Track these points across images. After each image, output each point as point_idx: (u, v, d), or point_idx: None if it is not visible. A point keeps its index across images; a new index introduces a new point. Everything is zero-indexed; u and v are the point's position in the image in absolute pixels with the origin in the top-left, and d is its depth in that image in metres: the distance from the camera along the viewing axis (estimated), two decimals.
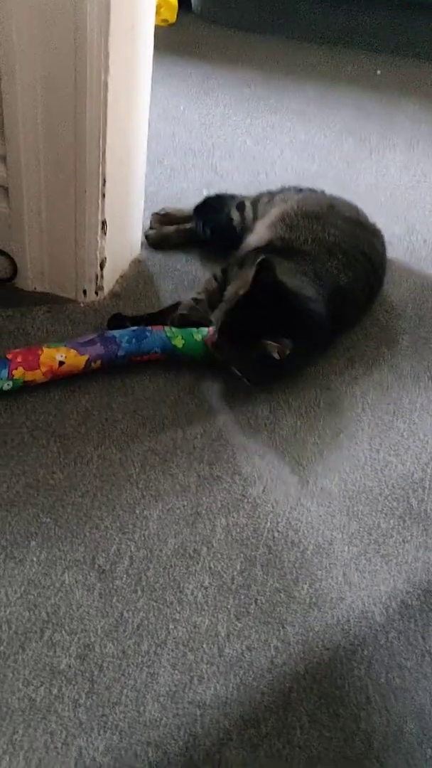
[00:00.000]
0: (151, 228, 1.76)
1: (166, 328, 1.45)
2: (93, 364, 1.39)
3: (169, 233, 1.75)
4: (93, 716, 0.99)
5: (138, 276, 1.67)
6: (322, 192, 1.78)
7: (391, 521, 1.26)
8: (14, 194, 1.48)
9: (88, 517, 1.21)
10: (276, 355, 1.32)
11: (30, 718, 0.99)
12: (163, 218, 1.79)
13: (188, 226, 1.76)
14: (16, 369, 1.33)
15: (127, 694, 1.02)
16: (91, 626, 1.08)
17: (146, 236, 1.74)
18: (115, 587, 1.13)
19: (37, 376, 1.35)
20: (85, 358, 1.38)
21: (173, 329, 1.45)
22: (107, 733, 0.98)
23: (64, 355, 1.36)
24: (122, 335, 1.42)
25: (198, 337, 1.44)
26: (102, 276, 1.57)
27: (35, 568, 1.14)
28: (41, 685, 1.02)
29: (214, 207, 1.74)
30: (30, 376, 1.35)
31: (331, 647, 1.09)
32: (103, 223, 1.49)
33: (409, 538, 1.24)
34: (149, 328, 1.44)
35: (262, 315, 1.35)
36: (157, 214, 1.79)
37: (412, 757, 0.99)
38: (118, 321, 1.50)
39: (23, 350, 1.36)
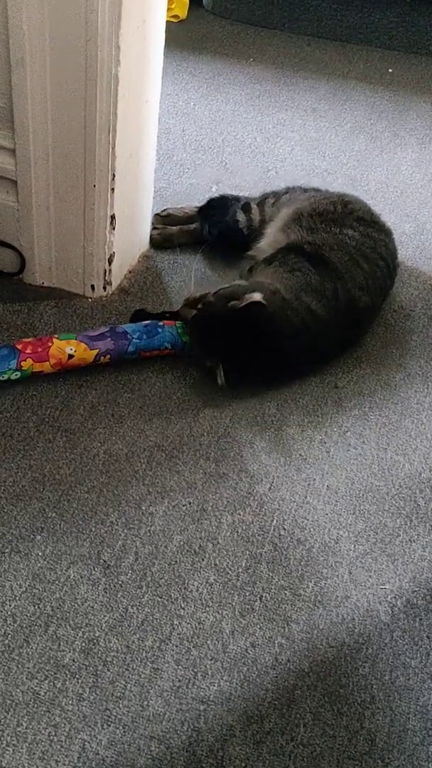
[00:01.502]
0: (153, 228, 1.74)
1: (179, 323, 1.45)
2: (102, 358, 1.40)
3: (172, 233, 1.73)
4: (97, 710, 0.99)
5: (146, 271, 1.67)
6: (326, 191, 1.77)
7: (398, 520, 1.26)
8: (23, 188, 1.48)
9: (94, 513, 1.21)
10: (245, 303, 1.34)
11: (34, 711, 0.99)
12: (165, 219, 1.78)
13: (192, 226, 1.75)
14: (25, 360, 1.34)
15: (130, 688, 1.02)
16: (95, 621, 1.08)
17: (150, 237, 1.73)
18: (120, 582, 1.13)
19: (45, 367, 1.36)
20: (95, 352, 1.38)
21: (185, 325, 1.44)
22: (111, 726, 0.98)
23: (74, 349, 1.37)
24: (134, 330, 1.42)
25: None
26: (110, 271, 1.56)
27: (40, 563, 1.14)
28: (45, 679, 1.02)
29: (218, 208, 1.73)
30: (38, 367, 1.36)
31: (336, 645, 1.09)
32: (112, 217, 1.49)
33: (416, 537, 1.23)
34: (161, 323, 1.44)
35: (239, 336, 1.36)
36: (158, 215, 1.77)
37: (416, 756, 0.99)
38: (141, 317, 1.49)
39: (34, 341, 1.37)
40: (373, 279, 1.52)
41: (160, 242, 1.73)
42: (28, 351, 1.34)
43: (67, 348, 1.36)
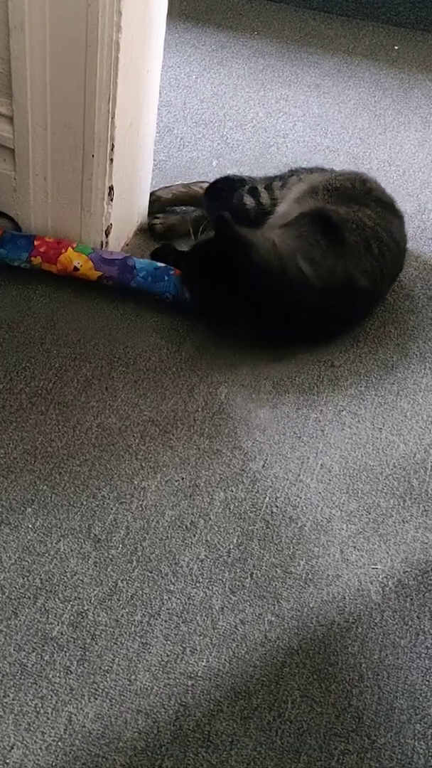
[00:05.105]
0: (154, 218, 1.68)
1: None
2: (106, 281, 1.48)
3: (174, 224, 1.67)
4: (84, 683, 0.99)
5: (144, 244, 1.64)
6: (332, 170, 1.74)
7: (391, 501, 1.25)
8: (20, 156, 1.46)
9: (86, 486, 1.20)
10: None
11: (21, 682, 0.99)
12: (154, 204, 1.70)
13: (194, 214, 1.70)
14: (35, 257, 1.47)
15: (118, 662, 1.02)
16: (84, 594, 1.08)
17: (151, 226, 1.66)
18: (110, 557, 1.12)
19: (52, 269, 1.48)
20: (99, 274, 1.47)
21: None
22: (98, 700, 0.98)
23: (80, 264, 1.46)
24: (142, 268, 1.47)
25: None
26: (107, 243, 1.54)
27: (30, 535, 1.13)
28: (33, 651, 1.01)
29: (224, 191, 1.69)
30: (46, 267, 1.47)
31: (326, 624, 1.08)
32: (110, 188, 1.47)
33: (409, 518, 1.23)
34: (172, 271, 1.48)
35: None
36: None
37: (403, 734, 0.99)
38: (164, 252, 1.55)
39: (52, 242, 1.48)
40: (381, 263, 1.50)
41: (162, 232, 1.66)
42: (42, 249, 1.46)
43: (75, 261, 1.46)
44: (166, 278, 1.46)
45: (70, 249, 1.46)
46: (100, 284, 1.49)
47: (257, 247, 1.40)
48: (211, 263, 1.39)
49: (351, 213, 1.51)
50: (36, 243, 1.47)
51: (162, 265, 1.49)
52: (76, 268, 1.46)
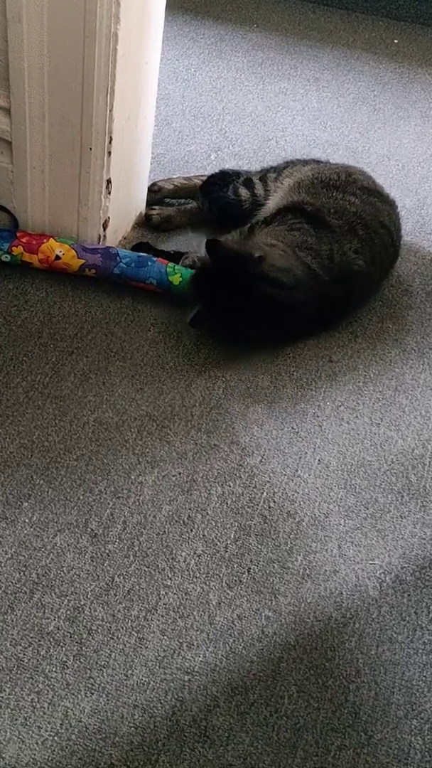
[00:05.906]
0: (151, 208, 1.68)
1: (170, 264, 1.48)
2: (88, 270, 1.47)
3: (170, 215, 1.68)
4: (80, 678, 0.99)
5: (141, 238, 1.64)
6: (327, 162, 1.74)
7: (389, 496, 1.25)
8: (17, 149, 1.45)
9: (83, 481, 1.20)
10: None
11: (17, 677, 0.98)
12: (156, 194, 1.71)
13: (189, 206, 1.70)
14: (17, 247, 1.46)
15: (115, 657, 1.01)
16: (81, 589, 1.07)
17: (147, 217, 1.66)
18: (107, 551, 1.12)
19: (33, 260, 1.47)
20: (81, 262, 1.46)
21: (176, 267, 1.47)
22: (94, 695, 0.98)
23: (63, 252, 1.46)
24: (125, 256, 1.47)
25: None
26: (105, 237, 1.54)
27: (27, 530, 1.13)
28: (29, 646, 1.01)
29: (218, 185, 1.69)
30: (27, 258, 1.47)
31: (323, 619, 1.08)
32: (108, 182, 1.46)
33: (407, 513, 1.23)
34: (155, 258, 1.48)
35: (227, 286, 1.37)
36: (149, 190, 1.72)
37: (399, 729, 0.99)
38: (143, 250, 1.54)
39: (34, 235, 1.49)
40: (370, 246, 1.50)
41: (159, 223, 1.67)
42: (23, 240, 1.46)
43: (57, 249, 1.46)
44: (150, 264, 1.47)
45: (51, 239, 1.47)
46: (83, 275, 1.48)
47: (270, 258, 1.38)
48: (223, 280, 1.37)
49: (331, 202, 1.52)
50: (18, 234, 1.47)
51: (144, 254, 1.50)
52: (57, 257, 1.45)
